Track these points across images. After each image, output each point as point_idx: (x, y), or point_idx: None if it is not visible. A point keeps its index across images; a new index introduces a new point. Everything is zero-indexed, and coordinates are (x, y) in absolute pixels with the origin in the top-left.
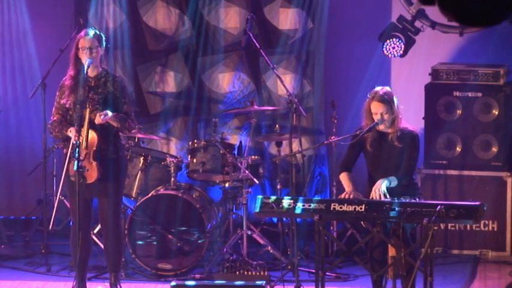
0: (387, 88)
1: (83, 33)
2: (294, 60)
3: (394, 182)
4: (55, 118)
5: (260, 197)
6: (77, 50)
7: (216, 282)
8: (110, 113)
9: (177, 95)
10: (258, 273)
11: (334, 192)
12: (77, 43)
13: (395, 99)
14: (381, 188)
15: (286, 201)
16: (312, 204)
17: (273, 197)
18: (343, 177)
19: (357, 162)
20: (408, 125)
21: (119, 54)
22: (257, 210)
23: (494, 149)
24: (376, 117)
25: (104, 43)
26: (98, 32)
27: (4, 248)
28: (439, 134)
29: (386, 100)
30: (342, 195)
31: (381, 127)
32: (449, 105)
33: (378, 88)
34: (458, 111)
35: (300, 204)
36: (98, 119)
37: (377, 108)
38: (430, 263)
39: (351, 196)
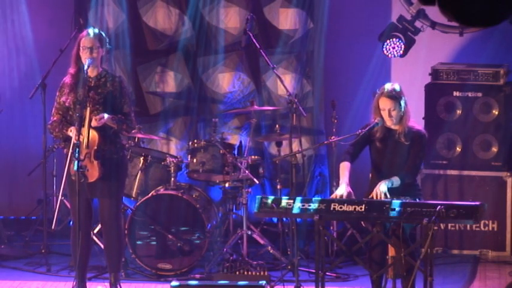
0: (396, 85)
1: (85, 32)
2: (294, 60)
3: (397, 183)
4: (55, 118)
5: (260, 197)
6: (78, 49)
7: (216, 282)
8: (106, 116)
9: (177, 95)
10: (258, 273)
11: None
12: (79, 42)
13: (404, 97)
14: (381, 189)
15: (285, 201)
16: (311, 204)
17: (273, 197)
18: (343, 167)
19: (359, 161)
20: (416, 124)
21: (119, 54)
22: (257, 210)
23: (494, 149)
24: (384, 113)
25: (106, 44)
26: (100, 33)
27: (4, 248)
28: (439, 134)
29: (395, 96)
30: (333, 195)
31: (389, 123)
32: (449, 105)
33: (387, 84)
34: (458, 111)
35: (299, 204)
36: (95, 123)
37: (385, 104)
38: (430, 263)
39: (344, 196)
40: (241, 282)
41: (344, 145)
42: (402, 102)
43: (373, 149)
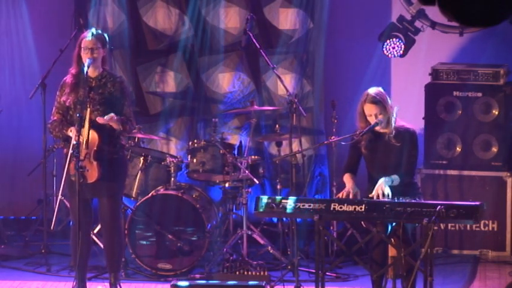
0: (378, 88)
1: (86, 33)
2: (294, 60)
3: (397, 181)
4: (55, 118)
5: (260, 197)
6: (79, 49)
7: (216, 282)
8: (115, 116)
9: (177, 95)
10: (258, 273)
11: (334, 192)
12: (80, 42)
13: (388, 99)
14: (384, 188)
15: (286, 201)
16: (311, 204)
17: (273, 197)
18: (346, 178)
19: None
20: (404, 123)
21: (119, 54)
22: (257, 210)
23: (494, 149)
24: (371, 119)
25: (107, 44)
26: (101, 33)
27: (4, 248)
28: (439, 134)
29: (379, 100)
30: (341, 194)
31: (377, 127)
32: (449, 105)
33: (369, 90)
34: (458, 111)
35: (299, 204)
36: (101, 120)
37: (370, 110)
38: (430, 263)
39: (351, 193)
40: (241, 282)
41: (344, 145)
42: (387, 105)
43: (366, 157)
